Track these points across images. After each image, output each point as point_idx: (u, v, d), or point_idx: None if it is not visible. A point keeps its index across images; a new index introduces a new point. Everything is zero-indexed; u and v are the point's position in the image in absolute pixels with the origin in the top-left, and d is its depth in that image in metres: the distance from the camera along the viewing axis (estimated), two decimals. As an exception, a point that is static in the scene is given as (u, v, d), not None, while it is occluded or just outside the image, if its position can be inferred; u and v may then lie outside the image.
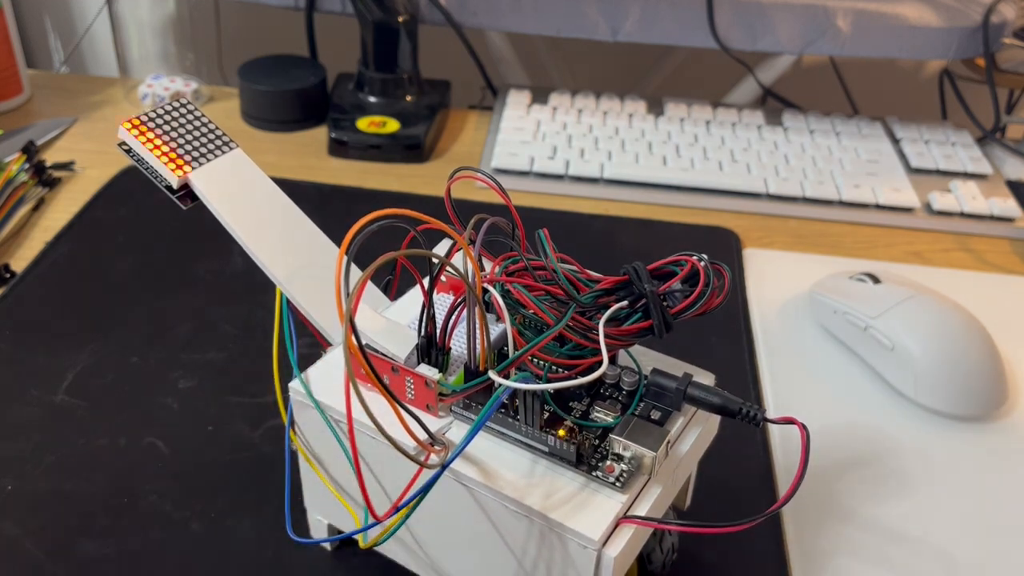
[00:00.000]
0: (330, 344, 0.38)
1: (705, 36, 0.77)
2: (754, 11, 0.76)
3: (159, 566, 0.40)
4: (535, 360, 0.34)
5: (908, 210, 0.70)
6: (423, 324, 0.33)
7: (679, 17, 0.76)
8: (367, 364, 0.28)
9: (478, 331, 0.31)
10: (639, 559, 0.38)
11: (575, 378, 0.31)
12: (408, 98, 0.78)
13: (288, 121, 0.77)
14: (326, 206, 0.66)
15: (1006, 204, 0.69)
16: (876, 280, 0.54)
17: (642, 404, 0.34)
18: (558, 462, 0.32)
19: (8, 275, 0.57)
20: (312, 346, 0.39)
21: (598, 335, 0.31)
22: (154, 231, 0.62)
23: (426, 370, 0.33)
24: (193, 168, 0.36)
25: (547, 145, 0.74)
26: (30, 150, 0.68)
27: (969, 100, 0.80)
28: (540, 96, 0.82)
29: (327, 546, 0.41)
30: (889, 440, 0.49)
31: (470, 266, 0.30)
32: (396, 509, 0.31)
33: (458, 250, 0.32)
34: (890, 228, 0.69)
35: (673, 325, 0.32)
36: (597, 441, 0.33)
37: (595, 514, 0.30)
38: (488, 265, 0.35)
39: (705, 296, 0.32)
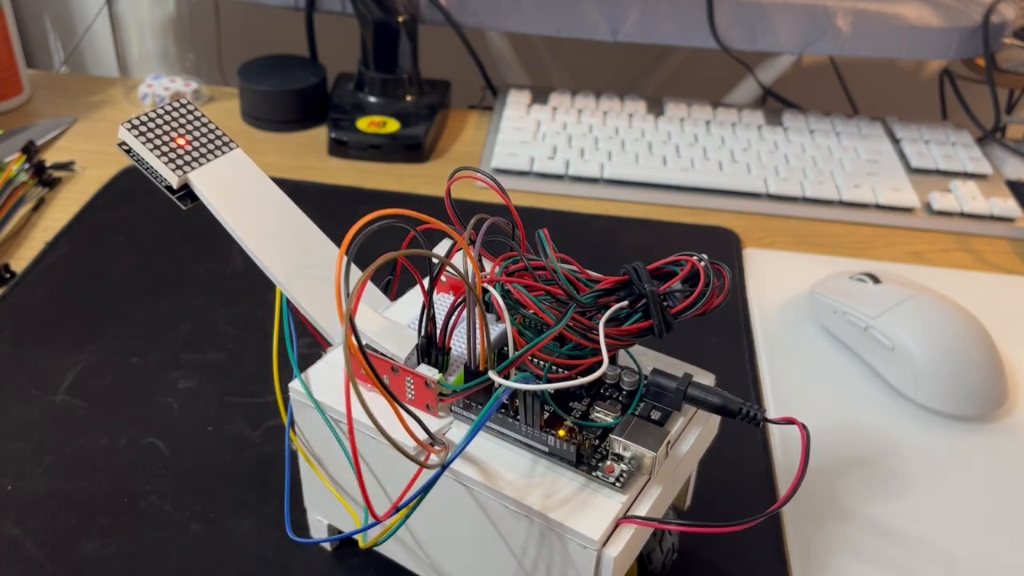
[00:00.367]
0: (330, 344, 0.38)
1: (705, 36, 0.77)
2: (754, 11, 0.76)
3: (159, 566, 0.40)
4: (535, 360, 0.34)
5: (908, 210, 0.70)
6: (423, 324, 0.33)
7: (679, 17, 0.76)
8: (367, 364, 0.28)
9: (478, 331, 0.31)
10: (639, 559, 0.38)
11: (575, 378, 0.31)
12: (408, 98, 0.78)
13: (288, 121, 0.77)
14: (326, 206, 0.66)
15: (1006, 204, 0.69)
16: (876, 280, 0.54)
17: (642, 404, 0.34)
18: (558, 462, 0.32)
19: (8, 275, 0.57)
20: (312, 346, 0.39)
21: (598, 335, 0.31)
22: (154, 231, 0.62)
23: (426, 370, 0.33)
24: (193, 168, 0.36)
25: (547, 145, 0.74)
26: (30, 150, 0.68)
27: (969, 100, 0.80)
28: (540, 96, 0.82)
29: (327, 546, 0.41)
30: (889, 440, 0.49)
31: (470, 266, 0.30)
32: (396, 509, 0.31)
33: (458, 250, 0.32)
34: (890, 228, 0.69)
35: (673, 325, 0.32)
36: (597, 441, 0.33)
37: (595, 514, 0.30)
38: (488, 265, 0.35)
39: (705, 296, 0.32)
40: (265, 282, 0.36)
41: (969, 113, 0.79)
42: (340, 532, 0.40)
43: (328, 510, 0.39)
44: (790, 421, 0.30)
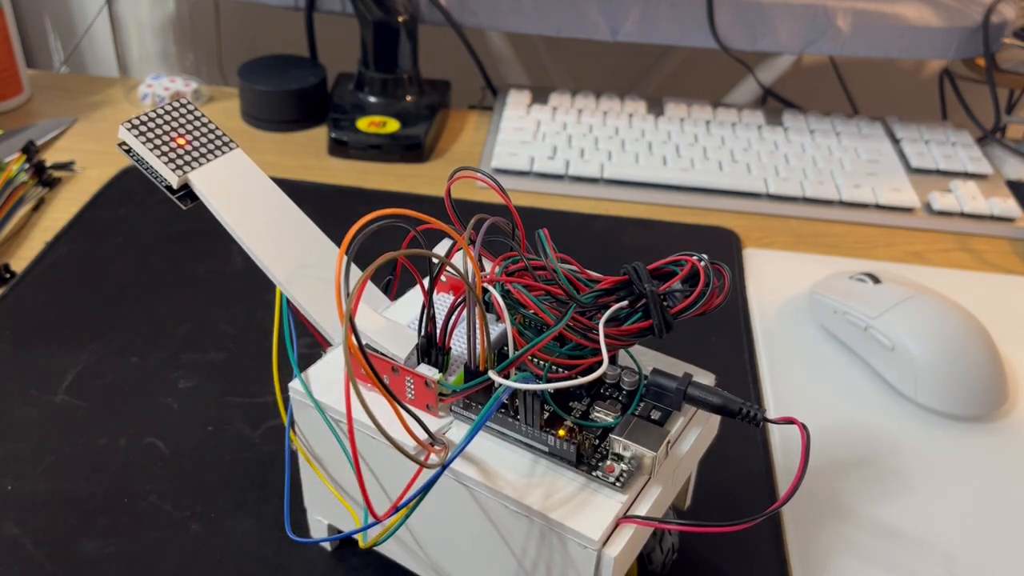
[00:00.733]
0: (330, 344, 0.38)
1: (705, 36, 0.77)
2: (754, 11, 0.76)
3: (159, 566, 0.40)
4: (535, 360, 0.34)
5: (908, 210, 0.70)
6: (423, 324, 0.33)
7: (679, 17, 0.76)
8: (367, 364, 0.28)
9: (478, 331, 0.31)
10: (639, 559, 0.38)
11: (575, 378, 0.31)
12: (408, 98, 0.78)
13: (288, 121, 0.77)
14: (326, 206, 0.66)
15: (1006, 204, 0.69)
16: (876, 280, 0.54)
17: (642, 404, 0.34)
18: (558, 462, 0.32)
19: (8, 275, 0.57)
20: (312, 346, 0.39)
21: (598, 335, 0.31)
22: (154, 231, 0.62)
23: (426, 370, 0.33)
24: (193, 168, 0.36)
25: (547, 145, 0.74)
26: (30, 150, 0.68)
27: (969, 100, 0.80)
28: (540, 96, 0.82)
29: (327, 546, 0.41)
30: (889, 440, 0.49)
31: (470, 266, 0.30)
32: (396, 509, 0.31)
33: (458, 250, 0.32)
34: (890, 228, 0.69)
35: (673, 325, 0.32)
36: (597, 441, 0.33)
37: (595, 514, 0.30)
38: (488, 265, 0.35)
39: (705, 296, 0.32)
40: (265, 282, 0.36)
41: (969, 113, 0.79)
42: (340, 532, 0.40)
43: (328, 510, 0.39)
44: (790, 421, 0.30)
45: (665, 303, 0.32)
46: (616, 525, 0.31)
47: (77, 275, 0.58)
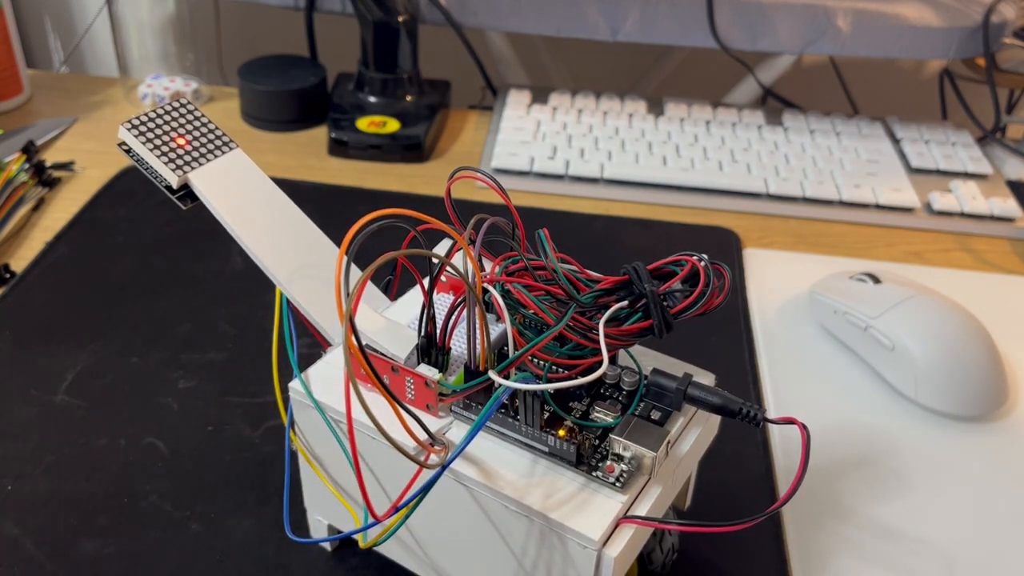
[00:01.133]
0: (330, 344, 0.38)
1: (705, 36, 0.77)
2: (754, 11, 0.76)
3: (159, 566, 0.40)
4: (535, 360, 0.34)
5: (908, 210, 0.70)
6: (423, 324, 0.33)
7: (679, 17, 0.76)
8: (367, 364, 0.28)
9: (478, 331, 0.31)
10: (639, 559, 0.38)
11: (575, 378, 0.31)
12: (408, 98, 0.78)
13: (288, 121, 0.77)
14: (326, 206, 0.66)
15: (1006, 204, 0.69)
16: (876, 280, 0.54)
17: (642, 404, 0.34)
18: (558, 462, 0.32)
19: (8, 275, 0.57)
20: (312, 346, 0.39)
21: (598, 335, 0.31)
22: (154, 231, 0.62)
23: (426, 370, 0.33)
24: (193, 168, 0.36)
25: (547, 145, 0.74)
26: (30, 150, 0.68)
27: (969, 100, 0.80)
28: (540, 96, 0.82)
29: (327, 546, 0.41)
30: (889, 440, 0.49)
31: (470, 266, 0.30)
32: (396, 509, 0.31)
33: (458, 250, 0.32)
34: (890, 228, 0.69)
35: (673, 325, 0.32)
36: (597, 441, 0.33)
37: (595, 514, 0.30)
38: (488, 265, 0.35)
39: (705, 296, 0.32)
40: (265, 282, 0.36)
41: (969, 113, 0.79)
42: (340, 532, 0.40)
43: (328, 510, 0.39)
44: (790, 421, 0.30)
45: (665, 303, 0.32)
46: (616, 525, 0.31)
47: (77, 275, 0.58)
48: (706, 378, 0.36)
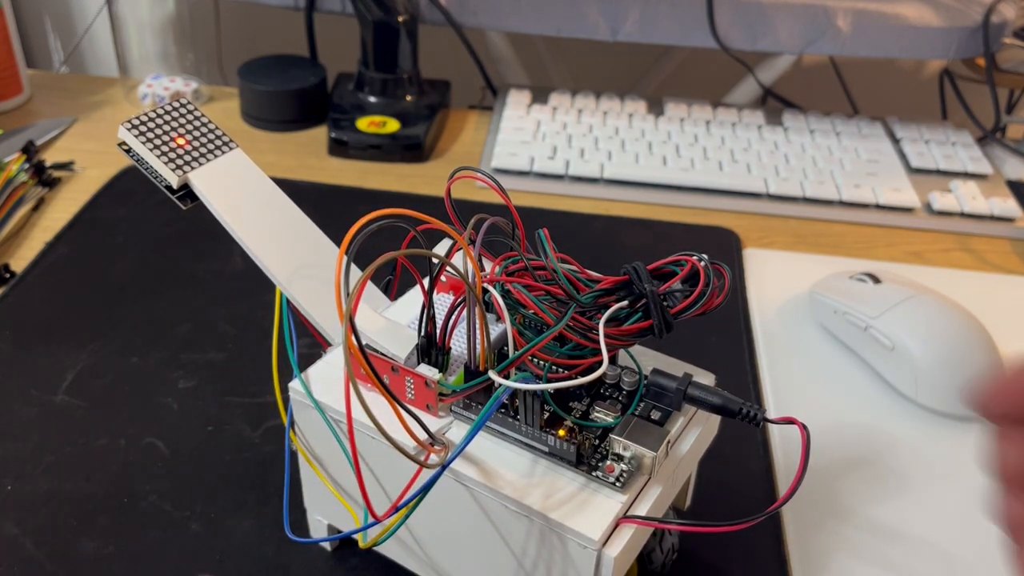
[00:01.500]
0: (330, 344, 0.38)
1: (705, 36, 0.77)
2: (754, 11, 0.76)
3: (159, 566, 0.40)
4: (535, 360, 0.34)
5: (908, 210, 0.70)
6: (423, 324, 0.33)
7: (679, 17, 0.76)
8: (367, 364, 0.28)
9: (478, 331, 0.31)
10: (639, 559, 0.38)
11: (575, 378, 0.31)
12: (408, 98, 0.78)
13: (288, 121, 0.77)
14: (326, 206, 0.66)
15: (1006, 204, 0.69)
16: (876, 280, 0.54)
17: (642, 404, 0.34)
18: (558, 462, 0.32)
19: (8, 275, 0.57)
20: (312, 346, 0.39)
21: (598, 335, 0.31)
22: (154, 231, 0.62)
23: (426, 370, 0.33)
24: (193, 168, 0.36)
25: (547, 145, 0.74)
26: (30, 150, 0.68)
27: (969, 100, 0.80)
28: (540, 96, 0.82)
29: (327, 546, 0.41)
30: (889, 440, 0.49)
31: (470, 266, 0.30)
32: (396, 509, 0.31)
33: (458, 250, 0.32)
34: (890, 228, 0.69)
35: (673, 325, 0.32)
36: (597, 441, 0.33)
37: (595, 514, 0.30)
38: (488, 265, 0.35)
39: (705, 296, 0.32)
40: (265, 282, 0.36)
41: (969, 113, 0.79)
42: (340, 532, 0.40)
43: (328, 510, 0.39)
44: (790, 421, 0.30)
45: (665, 303, 0.32)
46: (616, 525, 0.31)
47: (77, 275, 0.58)
48: (706, 378, 0.36)
